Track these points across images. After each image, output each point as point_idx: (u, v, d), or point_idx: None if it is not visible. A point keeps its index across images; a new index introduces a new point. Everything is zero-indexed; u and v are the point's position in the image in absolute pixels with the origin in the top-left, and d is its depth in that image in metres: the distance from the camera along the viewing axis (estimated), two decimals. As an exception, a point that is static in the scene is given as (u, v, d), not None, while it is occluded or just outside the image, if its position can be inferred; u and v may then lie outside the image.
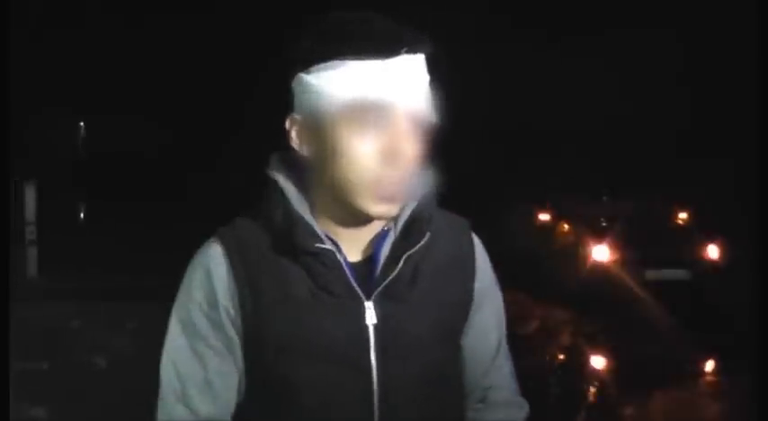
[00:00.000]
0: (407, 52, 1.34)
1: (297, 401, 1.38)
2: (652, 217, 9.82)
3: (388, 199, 1.36)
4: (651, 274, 8.93)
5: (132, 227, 12.91)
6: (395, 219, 1.43)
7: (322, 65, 1.34)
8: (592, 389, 6.42)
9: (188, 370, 1.42)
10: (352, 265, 1.41)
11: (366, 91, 1.32)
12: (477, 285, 1.50)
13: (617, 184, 11.02)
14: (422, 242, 1.40)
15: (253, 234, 1.42)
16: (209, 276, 1.43)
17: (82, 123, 20.50)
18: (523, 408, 1.58)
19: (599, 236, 9.44)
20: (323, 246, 1.38)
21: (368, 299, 1.39)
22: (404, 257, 1.39)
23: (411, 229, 1.42)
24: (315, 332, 1.37)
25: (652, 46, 14.25)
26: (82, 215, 16.63)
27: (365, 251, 1.43)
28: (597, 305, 7.95)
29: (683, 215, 10.28)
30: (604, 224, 9.88)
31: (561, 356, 7.55)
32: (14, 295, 8.42)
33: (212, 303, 1.41)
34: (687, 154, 13.41)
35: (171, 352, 1.44)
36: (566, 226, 10.25)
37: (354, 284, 1.39)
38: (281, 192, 1.42)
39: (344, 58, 1.33)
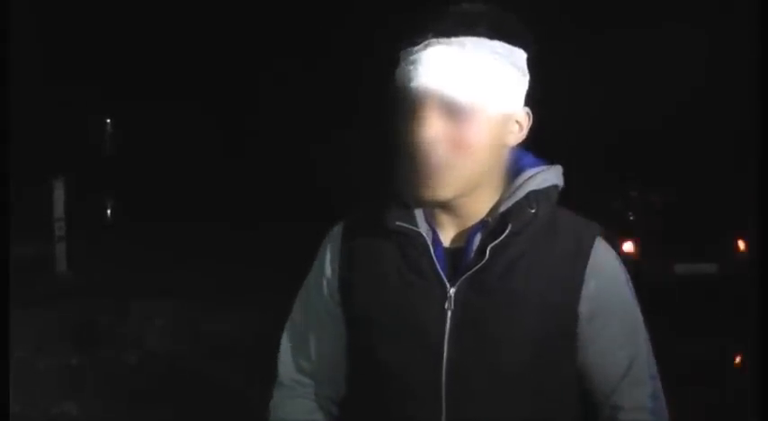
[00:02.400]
0: (435, 37, 1.35)
1: (374, 374, 1.45)
2: (681, 211, 9.76)
3: (422, 181, 1.38)
4: (680, 268, 8.87)
5: (160, 223, 13.00)
6: (494, 211, 1.43)
7: (398, 55, 1.41)
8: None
9: (293, 337, 1.59)
10: (447, 252, 1.43)
11: (401, 79, 1.38)
12: (586, 294, 1.43)
13: (645, 179, 10.95)
14: (503, 236, 1.38)
15: (369, 215, 1.48)
16: (324, 253, 1.54)
17: (108, 120, 20.63)
18: None
19: (628, 230, 9.38)
20: (405, 225, 1.42)
21: (452, 285, 1.40)
22: (488, 249, 1.38)
23: (502, 223, 1.41)
24: (396, 310, 1.42)
25: (679, 39, 14.14)
26: (109, 211, 16.75)
27: (462, 239, 1.44)
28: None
29: (711, 209, 10.19)
30: (632, 218, 9.82)
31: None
32: (44, 291, 8.54)
33: (322, 274, 1.53)
34: (717, 148, 13.30)
35: (288, 321, 1.61)
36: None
37: (440, 269, 1.41)
38: (395, 174, 1.46)
39: (402, 49, 1.39)
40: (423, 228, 1.43)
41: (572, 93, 14.95)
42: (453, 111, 1.35)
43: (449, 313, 1.40)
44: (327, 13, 16.73)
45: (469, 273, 1.39)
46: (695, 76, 14.09)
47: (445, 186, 1.38)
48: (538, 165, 1.47)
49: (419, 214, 1.44)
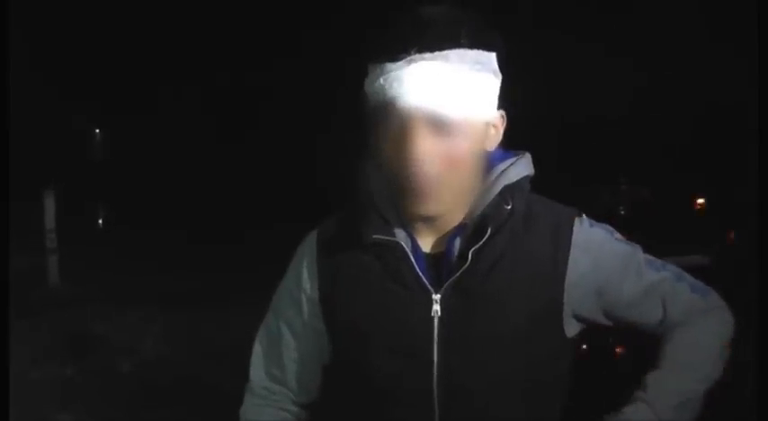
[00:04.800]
0: (418, 52, 1.33)
1: (365, 387, 1.45)
2: (671, 203, 9.78)
3: (417, 197, 1.37)
4: (672, 262, 8.89)
5: (153, 230, 12.96)
6: (471, 213, 1.42)
7: (369, 67, 1.40)
8: (612, 376, 6.40)
9: (266, 344, 1.59)
10: (428, 258, 1.43)
11: (383, 96, 1.35)
12: (573, 284, 1.43)
13: (635, 171, 10.97)
14: (483, 239, 1.38)
15: (345, 223, 1.48)
16: (299, 262, 1.54)
17: (98, 130, 20.58)
18: (715, 315, 1.53)
19: (618, 224, 9.39)
20: (383, 237, 1.41)
21: (437, 291, 1.40)
22: (470, 253, 1.38)
23: (481, 225, 1.40)
24: (382, 320, 1.42)
25: (665, 29, 14.17)
26: (101, 220, 16.70)
27: (443, 244, 1.43)
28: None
29: (701, 200, 10.22)
30: (623, 212, 9.83)
31: (583, 346, 7.54)
32: (37, 303, 8.51)
33: (298, 286, 1.53)
34: (705, 139, 13.33)
35: (261, 326, 1.62)
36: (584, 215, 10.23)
37: (422, 276, 1.41)
38: (367, 183, 1.46)
39: (374, 62, 1.37)
40: (401, 237, 1.43)
41: (562, 85, 14.99)
42: (442, 127, 1.35)
43: (435, 319, 1.40)
44: (318, 17, 16.72)
45: (453, 277, 1.39)
46: (688, 68, 14.13)
47: (439, 201, 1.38)
48: (506, 158, 1.46)
49: (396, 223, 1.43)
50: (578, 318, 1.46)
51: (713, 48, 13.74)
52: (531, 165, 1.49)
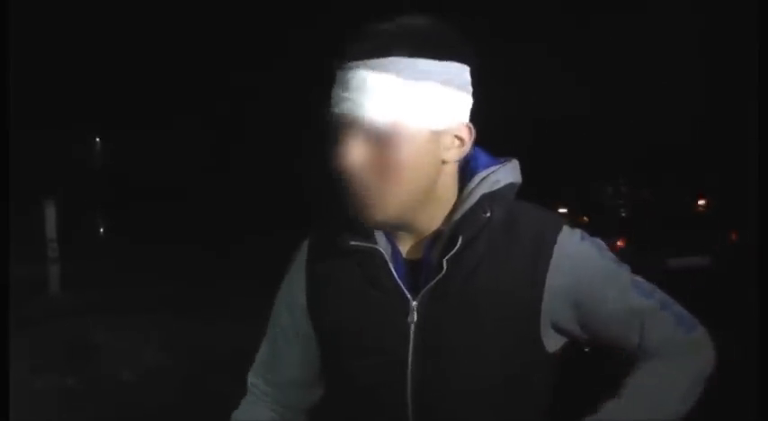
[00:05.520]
0: (353, 59, 1.33)
1: (345, 391, 1.47)
2: (672, 204, 9.78)
3: (357, 207, 1.38)
4: (673, 262, 8.89)
5: (153, 239, 12.97)
6: (448, 220, 1.41)
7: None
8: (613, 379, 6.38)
9: (264, 349, 1.62)
10: (408, 264, 1.42)
11: (329, 103, 1.37)
12: (551, 297, 1.39)
13: (636, 172, 10.97)
14: (456, 247, 1.37)
15: (332, 230, 1.47)
16: (292, 268, 1.56)
17: (98, 139, 20.61)
18: (695, 353, 1.46)
19: (619, 225, 9.39)
20: (361, 244, 1.41)
21: (414, 298, 1.40)
22: (444, 260, 1.37)
23: (456, 233, 1.39)
24: (361, 325, 1.43)
25: (666, 29, 14.18)
26: (102, 230, 16.72)
27: (420, 251, 1.43)
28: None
29: (702, 201, 10.22)
30: (624, 214, 9.83)
31: (586, 350, 7.52)
32: (38, 312, 8.51)
33: (290, 292, 1.55)
34: (706, 139, 13.34)
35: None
36: (585, 218, 10.23)
37: (400, 283, 1.40)
38: None
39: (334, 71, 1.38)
40: (381, 243, 1.42)
41: (564, 88, 14.99)
42: (374, 136, 1.33)
43: (412, 326, 1.39)
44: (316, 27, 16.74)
45: (430, 284, 1.38)
46: (690, 70, 14.14)
47: (381, 209, 1.37)
48: (491, 165, 1.44)
49: (377, 230, 1.43)
50: (556, 329, 1.42)
51: (716, 47, 13.75)
52: (518, 173, 1.47)
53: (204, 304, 8.38)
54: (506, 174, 1.44)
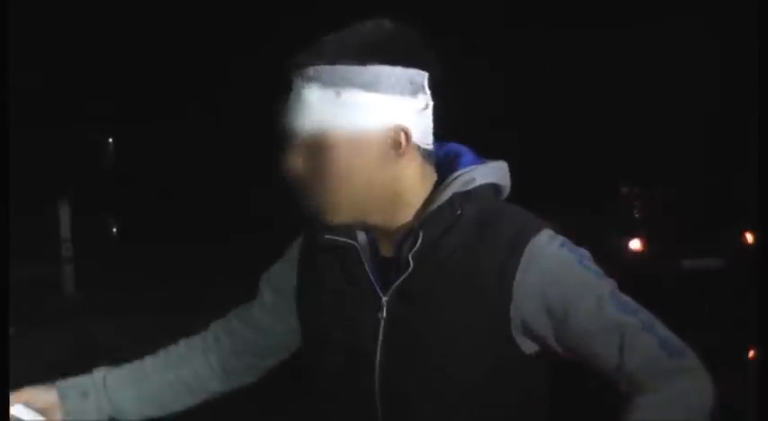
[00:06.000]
0: (292, 69, 1.39)
1: (318, 386, 1.49)
2: (686, 205, 9.75)
3: (313, 211, 1.42)
4: (688, 264, 8.86)
5: (167, 239, 13.00)
6: (418, 217, 1.42)
7: None
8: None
9: (240, 308, 1.70)
10: (383, 261, 1.44)
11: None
12: (520, 301, 1.36)
13: (650, 174, 10.95)
14: (417, 244, 1.38)
15: (322, 225, 1.49)
16: (286, 255, 1.61)
17: (111, 140, 20.67)
18: (684, 380, 1.32)
19: (633, 227, 9.37)
20: (336, 238, 1.44)
21: (385, 294, 1.41)
22: (410, 256, 1.38)
23: (420, 228, 1.40)
24: (335, 320, 1.45)
25: (683, 32, 14.14)
26: (115, 230, 16.77)
27: (393, 249, 1.44)
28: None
29: (717, 202, 10.19)
30: (638, 215, 9.80)
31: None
32: (53, 312, 8.54)
33: (279, 276, 1.60)
34: (721, 140, 13.29)
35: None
36: (599, 218, 10.21)
37: (372, 279, 1.42)
38: None
39: None
40: (360, 239, 1.44)
41: (577, 90, 14.95)
42: (307, 145, 1.38)
43: (382, 322, 1.40)
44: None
45: (398, 281, 1.39)
46: (700, 71, 14.09)
47: (331, 212, 1.41)
48: (473, 164, 1.44)
49: (356, 226, 1.45)
50: (530, 336, 1.39)
51: (729, 51, 13.69)
52: (502, 175, 1.47)
53: (220, 305, 8.36)
54: (484, 173, 1.44)
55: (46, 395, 1.65)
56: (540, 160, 14.68)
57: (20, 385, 1.64)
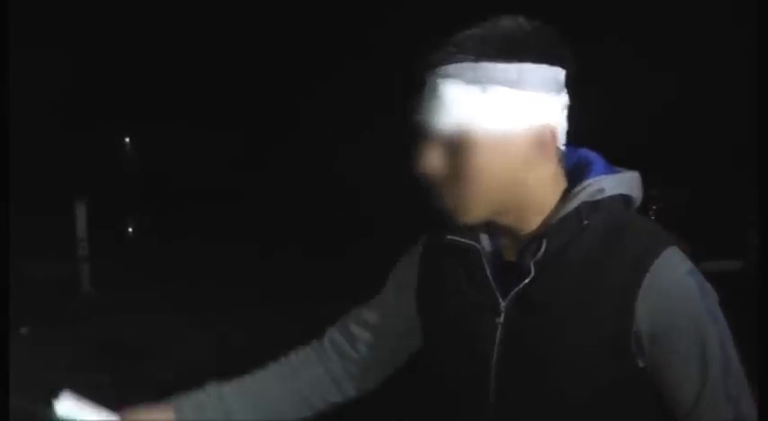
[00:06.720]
0: (428, 67, 1.37)
1: (434, 381, 1.50)
2: (703, 207, 9.70)
3: (446, 210, 1.40)
4: (706, 266, 8.81)
5: (182, 239, 13.03)
6: (545, 224, 1.40)
7: None
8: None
9: (355, 311, 1.68)
10: (506, 266, 1.42)
11: (412, 110, 1.41)
12: (643, 313, 1.33)
13: (668, 173, 10.89)
14: (541, 251, 1.36)
15: (441, 230, 1.50)
16: (406, 257, 1.61)
17: (127, 139, 20.75)
18: None
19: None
20: (459, 239, 1.43)
21: (504, 299, 1.40)
22: (531, 263, 1.36)
23: (545, 236, 1.38)
24: (456, 320, 1.45)
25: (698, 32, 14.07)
26: (131, 229, 16.83)
27: (516, 254, 1.43)
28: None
29: (735, 203, 10.12)
30: (653, 217, 9.77)
31: None
32: (70, 311, 8.58)
33: (402, 275, 1.60)
34: (741, 139, 13.21)
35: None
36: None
37: (492, 282, 1.41)
38: None
39: None
40: (484, 242, 1.44)
41: (592, 90, 14.87)
42: (447, 143, 1.36)
43: (499, 326, 1.39)
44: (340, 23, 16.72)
45: (518, 287, 1.37)
46: (711, 72, 14.01)
47: (464, 212, 1.39)
48: (605, 173, 1.42)
49: (482, 229, 1.44)
50: (641, 352, 1.37)
51: (736, 53, 13.59)
52: (634, 186, 1.44)
53: (233, 305, 8.41)
54: (614, 184, 1.41)
55: (161, 413, 1.68)
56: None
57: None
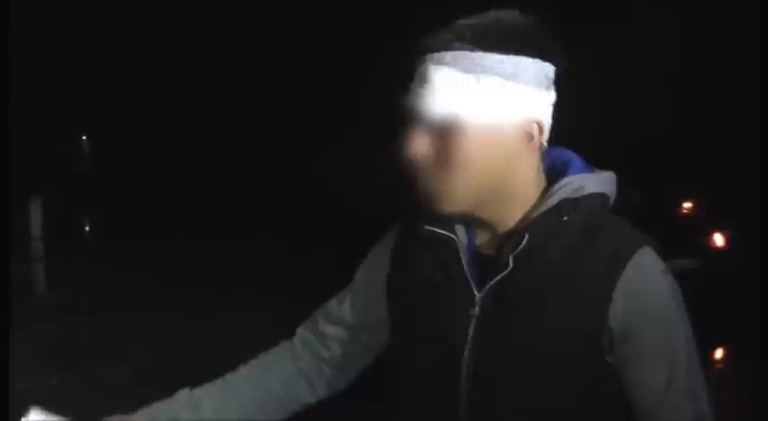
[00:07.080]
0: (423, 53, 1.37)
1: (403, 374, 1.49)
2: (658, 207, 9.83)
3: (427, 199, 1.40)
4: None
5: (138, 239, 12.92)
6: (525, 219, 1.41)
7: None
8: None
9: (322, 308, 1.66)
10: (483, 258, 1.43)
11: (405, 95, 1.41)
12: (615, 311, 1.35)
13: (622, 176, 11.01)
14: (521, 246, 1.37)
15: (415, 220, 1.49)
16: (377, 248, 1.60)
17: (84, 137, 20.51)
18: None
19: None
20: (436, 230, 1.43)
21: (479, 292, 1.40)
22: (510, 257, 1.37)
23: (526, 230, 1.38)
24: (428, 312, 1.45)
25: (652, 37, 14.22)
26: (87, 228, 16.64)
27: (494, 247, 1.44)
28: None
29: (687, 204, 10.27)
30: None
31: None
32: (23, 311, 8.49)
33: (371, 269, 1.60)
34: (691, 142, 13.38)
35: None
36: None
37: (468, 274, 1.41)
38: None
39: None
40: (459, 234, 1.44)
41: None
42: (437, 129, 1.36)
43: (473, 319, 1.40)
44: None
45: (494, 280, 1.39)
46: (670, 66, 14.15)
47: (447, 201, 1.39)
48: (583, 172, 1.44)
49: (459, 220, 1.44)
50: (611, 349, 1.40)
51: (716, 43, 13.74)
52: (611, 186, 1.46)
53: (190, 304, 8.36)
54: (594, 183, 1.43)
55: None
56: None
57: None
